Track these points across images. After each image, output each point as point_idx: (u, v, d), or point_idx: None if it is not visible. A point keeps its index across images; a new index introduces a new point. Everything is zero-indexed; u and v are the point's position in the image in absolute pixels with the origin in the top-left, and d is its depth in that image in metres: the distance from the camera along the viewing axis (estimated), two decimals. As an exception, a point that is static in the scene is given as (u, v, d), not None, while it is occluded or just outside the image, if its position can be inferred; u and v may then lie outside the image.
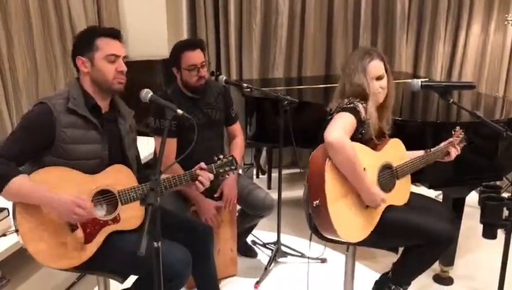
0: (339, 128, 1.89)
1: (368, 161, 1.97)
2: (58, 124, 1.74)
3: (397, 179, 2.08)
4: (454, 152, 2.17)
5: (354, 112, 1.95)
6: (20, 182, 1.65)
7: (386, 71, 2.07)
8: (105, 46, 1.80)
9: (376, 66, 2.03)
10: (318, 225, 1.99)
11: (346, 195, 1.93)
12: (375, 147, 2.06)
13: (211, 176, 1.92)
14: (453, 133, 2.22)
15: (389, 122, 2.17)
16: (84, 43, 1.82)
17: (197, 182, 1.89)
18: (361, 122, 1.98)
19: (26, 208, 1.68)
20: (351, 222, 1.93)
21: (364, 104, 2.00)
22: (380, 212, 2.00)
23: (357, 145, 1.96)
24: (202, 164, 1.92)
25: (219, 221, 2.57)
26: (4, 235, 2.13)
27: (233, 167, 1.98)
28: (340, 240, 1.95)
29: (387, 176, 2.05)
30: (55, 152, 1.75)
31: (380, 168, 2.02)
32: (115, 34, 1.85)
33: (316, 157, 1.96)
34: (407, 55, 4.51)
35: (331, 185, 1.89)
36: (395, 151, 2.11)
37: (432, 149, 2.17)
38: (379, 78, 2.04)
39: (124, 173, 1.88)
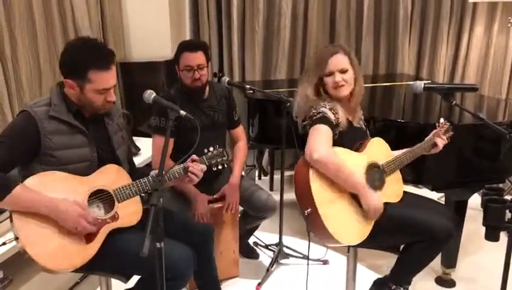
0: (321, 144, 1.90)
1: (353, 163, 1.97)
2: (43, 132, 1.73)
3: (386, 176, 2.07)
4: (441, 142, 2.17)
5: (325, 120, 1.97)
6: (20, 191, 1.65)
7: (354, 67, 2.08)
8: (98, 80, 1.75)
9: (339, 59, 2.05)
10: (315, 233, 1.97)
11: (336, 199, 1.92)
12: (357, 149, 2.07)
13: (204, 167, 1.94)
14: (438, 125, 2.23)
15: (358, 116, 2.18)
16: (76, 71, 1.75)
17: (189, 174, 1.90)
18: (334, 126, 1.99)
19: (22, 212, 1.67)
20: (347, 224, 1.91)
21: (329, 104, 2.02)
22: None
23: (340, 150, 1.97)
24: (194, 156, 1.92)
25: (211, 219, 2.52)
26: (4, 244, 2.12)
27: (224, 158, 2.01)
28: (341, 245, 1.93)
29: (375, 174, 2.04)
30: (43, 160, 1.75)
31: (366, 168, 2.02)
32: (109, 64, 1.77)
33: (299, 167, 1.96)
34: (410, 57, 4.49)
35: (318, 191, 1.88)
36: (379, 150, 2.11)
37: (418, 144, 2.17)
38: (342, 71, 2.05)
39: (117, 172, 1.89)
